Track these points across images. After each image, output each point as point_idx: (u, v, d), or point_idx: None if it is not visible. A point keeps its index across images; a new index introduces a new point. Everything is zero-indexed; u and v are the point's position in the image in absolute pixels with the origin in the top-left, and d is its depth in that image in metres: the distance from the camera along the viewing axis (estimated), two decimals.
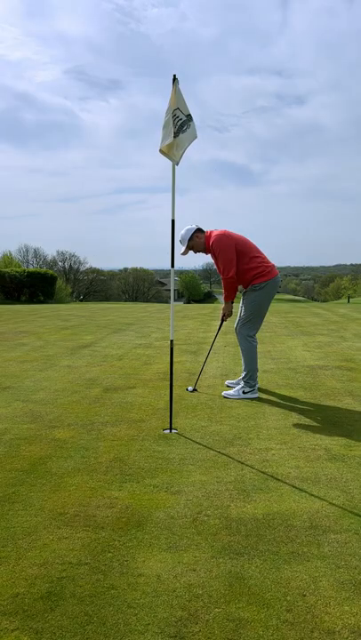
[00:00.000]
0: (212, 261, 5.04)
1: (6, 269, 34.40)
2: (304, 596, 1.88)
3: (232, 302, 4.90)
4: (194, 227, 4.73)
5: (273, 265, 4.82)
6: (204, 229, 4.78)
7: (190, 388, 5.02)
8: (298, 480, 2.91)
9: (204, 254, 4.85)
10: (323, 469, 3.08)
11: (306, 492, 2.77)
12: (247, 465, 3.14)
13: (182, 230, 4.75)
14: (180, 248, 4.70)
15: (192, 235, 4.69)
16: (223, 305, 4.93)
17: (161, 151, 3.69)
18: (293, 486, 2.83)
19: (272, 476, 2.97)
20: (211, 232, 4.75)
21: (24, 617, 1.77)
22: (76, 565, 2.08)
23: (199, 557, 2.14)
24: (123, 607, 1.82)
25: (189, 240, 4.70)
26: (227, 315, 4.94)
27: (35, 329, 10.01)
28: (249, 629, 1.70)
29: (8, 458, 3.29)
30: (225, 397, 4.74)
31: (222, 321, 5.07)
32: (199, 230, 4.73)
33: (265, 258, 4.81)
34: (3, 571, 2.05)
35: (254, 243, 4.89)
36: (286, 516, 2.49)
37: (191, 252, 4.79)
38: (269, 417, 4.17)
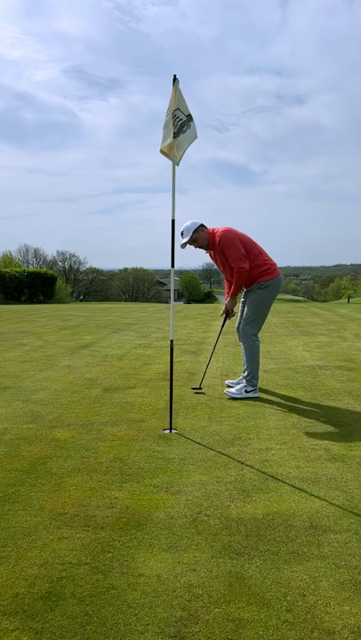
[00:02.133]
0: (212, 262, 5.01)
1: (6, 269, 34.41)
2: (304, 596, 1.88)
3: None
4: (198, 222, 4.72)
5: (276, 264, 4.82)
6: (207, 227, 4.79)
7: (195, 388, 5.02)
8: (298, 480, 2.92)
9: (203, 251, 4.84)
10: (323, 469, 3.08)
11: (306, 492, 2.77)
12: (247, 465, 3.14)
13: (187, 222, 4.71)
14: (180, 243, 4.65)
15: (197, 227, 4.67)
16: (227, 301, 4.89)
17: (161, 151, 3.69)
18: (293, 486, 2.83)
19: (272, 476, 2.97)
20: (213, 230, 4.74)
21: (24, 617, 1.77)
22: (76, 565, 2.08)
23: (199, 557, 2.14)
24: (123, 607, 1.82)
25: (194, 232, 4.65)
26: (231, 313, 4.91)
27: (35, 329, 10.02)
28: (249, 629, 1.70)
29: (8, 458, 3.29)
30: (227, 395, 4.74)
31: (226, 318, 5.04)
32: (203, 226, 4.73)
33: (268, 256, 4.82)
34: (3, 571, 2.05)
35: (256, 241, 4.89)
36: (286, 516, 2.49)
37: (190, 249, 4.76)
38: (269, 417, 4.17)
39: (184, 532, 2.33)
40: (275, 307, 14.54)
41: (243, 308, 4.90)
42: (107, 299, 61.16)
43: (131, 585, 1.95)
